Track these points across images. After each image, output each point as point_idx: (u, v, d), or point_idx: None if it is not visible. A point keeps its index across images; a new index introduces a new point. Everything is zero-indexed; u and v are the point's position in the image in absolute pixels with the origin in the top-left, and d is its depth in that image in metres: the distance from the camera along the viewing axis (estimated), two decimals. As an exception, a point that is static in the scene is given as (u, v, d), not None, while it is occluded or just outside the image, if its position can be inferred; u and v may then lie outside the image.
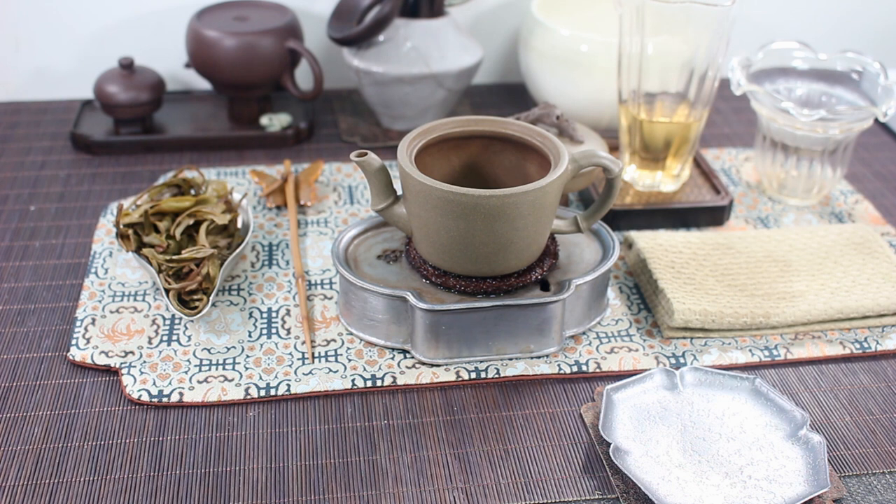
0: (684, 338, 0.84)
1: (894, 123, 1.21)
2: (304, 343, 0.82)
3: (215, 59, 1.08)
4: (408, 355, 0.81)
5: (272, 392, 0.77)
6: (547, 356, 0.82)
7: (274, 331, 0.83)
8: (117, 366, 0.79)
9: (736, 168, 1.11)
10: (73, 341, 0.81)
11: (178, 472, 0.70)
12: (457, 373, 0.80)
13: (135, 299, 0.86)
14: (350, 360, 0.80)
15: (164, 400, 0.76)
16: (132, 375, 0.78)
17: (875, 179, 1.10)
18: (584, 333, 0.84)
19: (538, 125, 0.92)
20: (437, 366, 0.80)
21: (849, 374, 0.82)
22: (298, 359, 0.80)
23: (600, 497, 0.70)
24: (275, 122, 1.13)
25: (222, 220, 0.89)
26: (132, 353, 0.80)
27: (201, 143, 1.11)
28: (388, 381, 0.79)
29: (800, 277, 0.88)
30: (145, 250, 0.86)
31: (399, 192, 0.84)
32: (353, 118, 1.19)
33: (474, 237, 0.76)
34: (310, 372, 0.79)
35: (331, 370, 0.79)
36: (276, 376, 0.79)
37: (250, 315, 0.85)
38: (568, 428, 0.75)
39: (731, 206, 1.00)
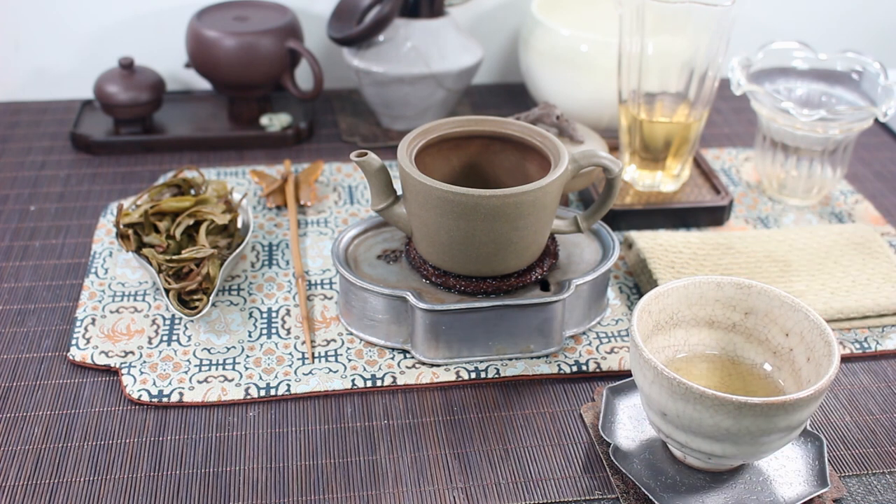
0: (684, 338, 0.84)
1: (894, 123, 1.21)
2: (304, 343, 0.82)
3: (215, 59, 1.08)
4: (408, 355, 0.81)
5: (272, 392, 0.77)
6: (547, 356, 0.82)
7: (274, 331, 0.83)
8: (117, 366, 0.79)
9: (736, 168, 1.11)
10: (73, 341, 0.81)
11: (178, 472, 0.70)
12: (457, 373, 0.80)
13: (135, 299, 0.86)
14: (350, 360, 0.80)
15: (164, 400, 0.76)
16: (132, 375, 0.78)
17: (875, 179, 1.10)
18: (584, 333, 0.84)
19: (538, 125, 0.92)
20: (437, 366, 0.80)
21: (849, 374, 0.82)
22: (298, 359, 0.80)
23: (600, 497, 0.70)
24: (275, 122, 1.13)
25: (222, 220, 0.89)
26: (132, 353, 0.80)
27: (201, 143, 1.11)
28: (388, 381, 0.79)
29: (800, 277, 0.88)
30: (145, 250, 0.86)
31: (399, 192, 0.84)
32: (353, 118, 1.19)
33: (474, 237, 0.76)
34: (310, 372, 0.79)
35: (331, 370, 0.79)
36: (276, 376, 0.79)
37: (250, 315, 0.85)
38: (568, 428, 0.75)
39: (731, 206, 1.00)
